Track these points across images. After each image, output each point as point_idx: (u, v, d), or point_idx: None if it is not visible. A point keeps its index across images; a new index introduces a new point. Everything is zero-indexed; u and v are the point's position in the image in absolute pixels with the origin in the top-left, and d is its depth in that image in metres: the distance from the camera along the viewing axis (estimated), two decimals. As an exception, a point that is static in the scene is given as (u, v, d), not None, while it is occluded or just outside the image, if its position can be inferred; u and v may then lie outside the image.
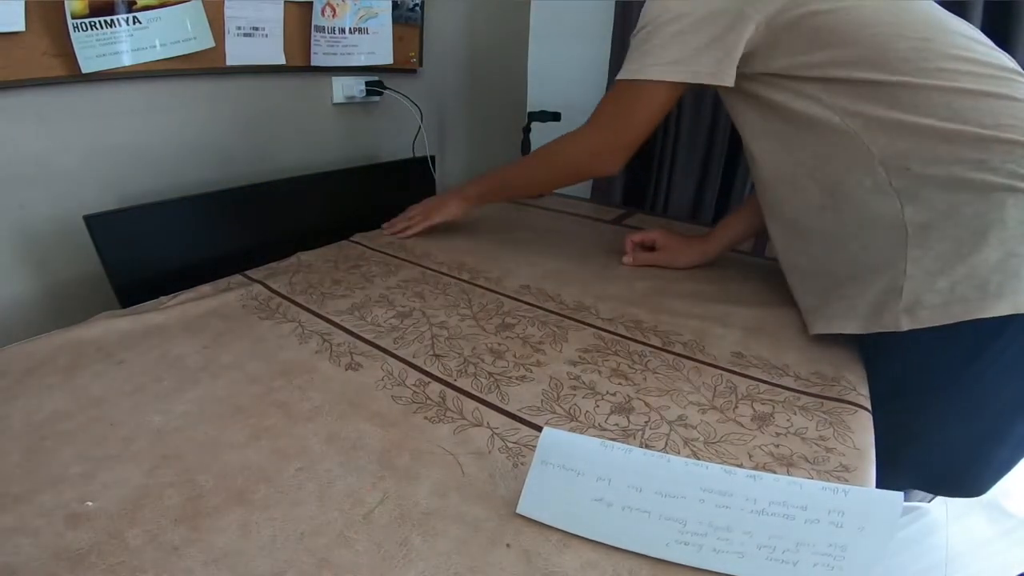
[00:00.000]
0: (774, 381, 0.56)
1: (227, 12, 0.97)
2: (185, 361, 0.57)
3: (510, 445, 0.46)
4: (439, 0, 1.32)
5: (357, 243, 0.98)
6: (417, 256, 0.91)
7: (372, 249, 0.94)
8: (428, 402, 0.52)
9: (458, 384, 0.54)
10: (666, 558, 0.36)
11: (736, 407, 0.51)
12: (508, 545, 0.36)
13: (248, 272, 0.82)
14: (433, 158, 1.29)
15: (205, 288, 0.76)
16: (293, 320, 0.68)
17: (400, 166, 1.26)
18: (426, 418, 0.49)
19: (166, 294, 0.73)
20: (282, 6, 1.05)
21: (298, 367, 0.57)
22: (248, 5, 1.00)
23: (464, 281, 0.81)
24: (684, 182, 1.36)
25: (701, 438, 0.47)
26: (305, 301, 0.73)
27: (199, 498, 0.39)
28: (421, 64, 1.32)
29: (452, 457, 0.44)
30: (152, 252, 0.82)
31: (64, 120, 0.81)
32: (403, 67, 1.28)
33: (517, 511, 0.39)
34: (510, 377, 0.56)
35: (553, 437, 0.38)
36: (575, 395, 0.53)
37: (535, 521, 0.38)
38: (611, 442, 0.37)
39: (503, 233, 1.06)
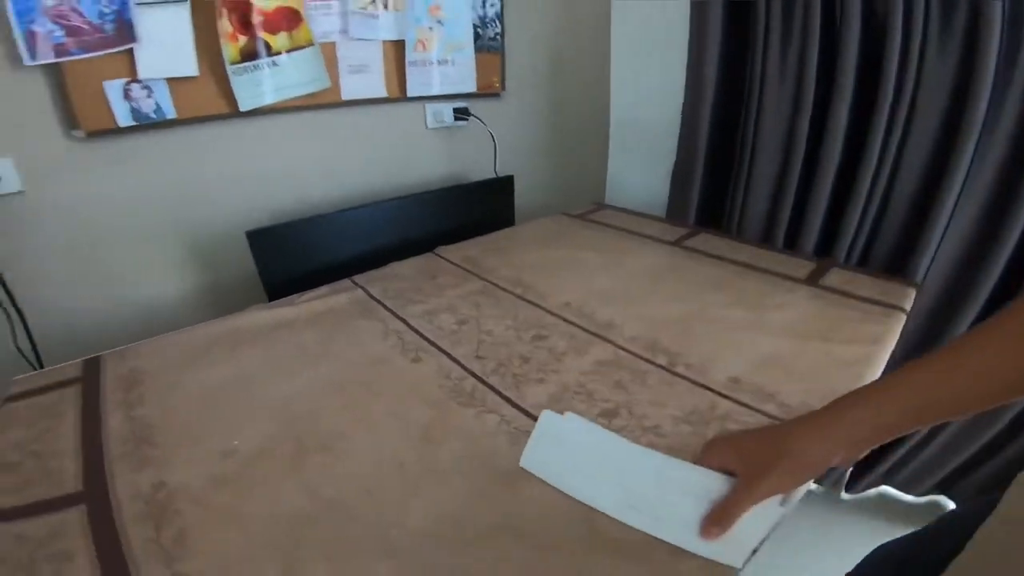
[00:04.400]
0: (756, 406, 0.66)
1: (339, 53, 1.23)
2: (307, 348, 0.82)
3: (513, 429, 0.63)
4: (518, 28, 1.49)
5: (440, 256, 1.19)
6: (484, 271, 1.10)
7: (450, 262, 1.15)
8: (463, 393, 0.70)
9: (489, 381, 0.73)
10: (619, 518, 0.50)
11: (709, 423, 0.63)
12: (504, 484, 0.54)
13: (355, 278, 1.07)
14: (511, 178, 1.47)
15: (324, 289, 1.02)
16: (380, 320, 0.90)
17: (482, 186, 1.45)
18: (458, 403, 0.68)
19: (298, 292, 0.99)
20: (382, 46, 1.29)
21: (379, 358, 0.79)
22: (354, 45, 1.25)
23: (516, 296, 0.99)
24: (757, 198, 1.39)
25: (665, 445, 0.60)
26: (392, 305, 0.96)
27: (304, 445, 0.62)
28: (504, 88, 1.51)
29: (471, 433, 0.63)
30: (293, 259, 1.10)
31: (227, 150, 1.11)
32: (487, 92, 1.48)
33: (520, 463, 0.56)
34: (530, 379, 0.73)
35: (550, 416, 0.56)
36: (574, 399, 0.68)
37: (529, 474, 0.56)
38: (592, 423, 0.54)
39: (569, 251, 1.20)
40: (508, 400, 0.69)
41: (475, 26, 1.43)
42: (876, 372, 0.76)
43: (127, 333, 1.04)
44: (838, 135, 1.20)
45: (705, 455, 0.54)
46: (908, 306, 0.98)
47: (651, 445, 0.60)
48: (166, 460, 0.59)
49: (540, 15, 1.55)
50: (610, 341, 0.82)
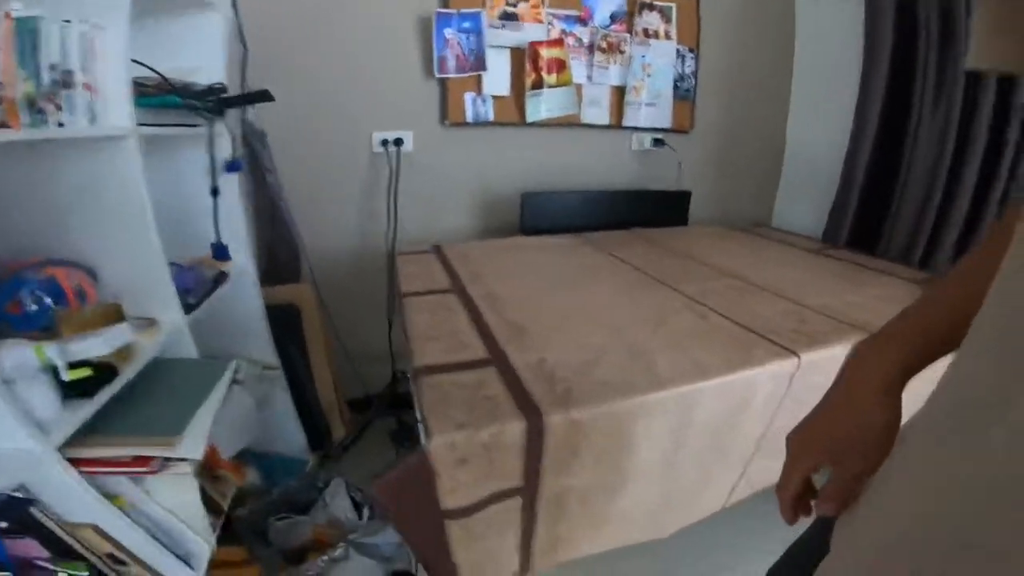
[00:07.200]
0: (831, 315, 1.08)
1: (584, 91, 1.88)
2: (553, 255, 1.43)
3: (685, 299, 1.14)
4: (708, 82, 2.05)
5: (633, 234, 1.76)
6: (660, 243, 1.63)
7: (641, 238, 1.72)
8: (648, 282, 1.23)
9: (655, 275, 1.24)
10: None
11: (798, 316, 1.07)
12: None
13: (581, 234, 1.68)
14: (690, 192, 2.00)
15: (557, 236, 1.63)
16: (596, 249, 1.48)
17: (667, 195, 2.03)
18: (645, 284, 1.21)
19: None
20: (609, 89, 1.92)
21: (594, 264, 1.36)
22: (593, 88, 1.90)
23: (684, 256, 1.49)
24: (901, 226, 1.72)
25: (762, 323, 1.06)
26: (603, 248, 1.53)
27: (572, 296, 1.20)
28: (692, 126, 2.05)
29: (656, 296, 1.15)
30: (539, 215, 1.76)
31: (514, 144, 1.83)
32: (679, 129, 2.04)
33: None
34: (677, 281, 1.23)
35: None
36: (708, 297, 1.17)
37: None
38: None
39: (722, 242, 1.69)
40: (667, 285, 1.22)
41: (675, 80, 2.01)
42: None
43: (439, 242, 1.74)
44: (973, 170, 1.51)
45: (793, 465, 0.50)
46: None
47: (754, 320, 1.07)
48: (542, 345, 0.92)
49: (726, 73, 2.08)
50: (737, 278, 1.31)
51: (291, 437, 1.54)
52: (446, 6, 1.65)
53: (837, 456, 0.46)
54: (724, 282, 1.29)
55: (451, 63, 1.67)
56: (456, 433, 0.68)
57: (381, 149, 1.66)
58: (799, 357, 0.92)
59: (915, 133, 1.67)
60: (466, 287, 1.19)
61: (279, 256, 1.64)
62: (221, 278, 1.20)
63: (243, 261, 1.34)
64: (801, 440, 0.49)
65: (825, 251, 1.69)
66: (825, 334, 1.00)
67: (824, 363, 0.94)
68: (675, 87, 2.02)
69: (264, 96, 1.16)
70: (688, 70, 2.04)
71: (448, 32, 1.67)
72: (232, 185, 1.26)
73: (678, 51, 2.00)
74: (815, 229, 1.98)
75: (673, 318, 1.06)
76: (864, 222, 1.86)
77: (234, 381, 1.07)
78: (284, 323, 1.58)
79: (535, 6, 1.77)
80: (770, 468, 1.04)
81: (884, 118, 1.75)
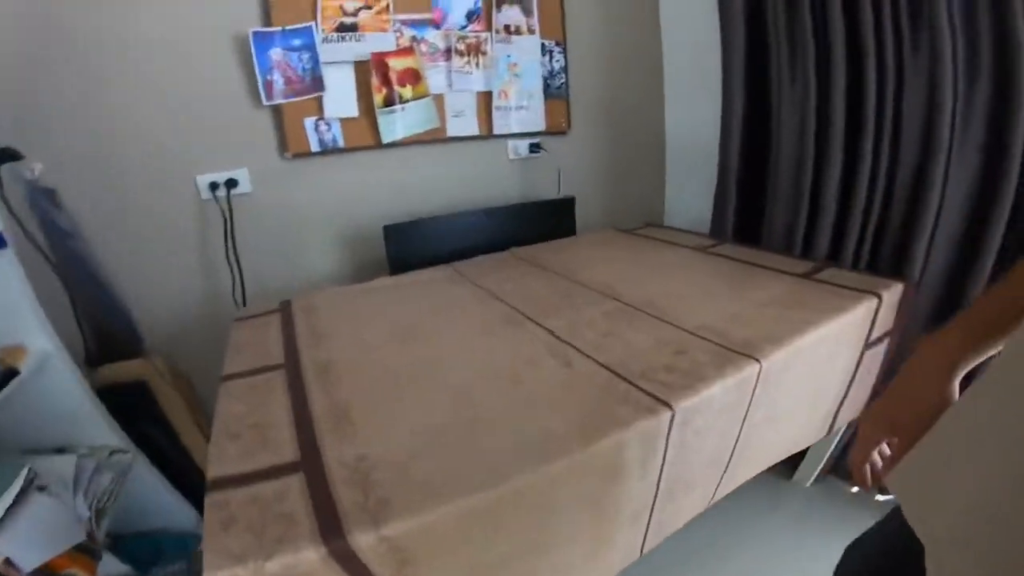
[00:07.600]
0: (709, 339, 1.01)
1: (447, 102, 1.74)
2: (396, 306, 1.28)
3: (552, 339, 1.03)
4: (580, 78, 1.95)
5: (513, 254, 1.64)
6: (540, 262, 1.52)
7: (519, 259, 1.59)
8: (513, 319, 1.12)
9: (524, 312, 1.13)
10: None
11: (677, 346, 0.99)
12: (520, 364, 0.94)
13: (452, 264, 1.53)
14: (573, 198, 1.90)
15: (428, 271, 1.49)
16: (468, 285, 1.35)
17: (549, 204, 1.90)
18: (510, 323, 1.09)
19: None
20: (474, 96, 1.78)
21: (463, 302, 1.23)
22: (456, 96, 1.75)
23: (558, 274, 1.39)
24: (778, 213, 1.70)
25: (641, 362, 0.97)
26: (473, 279, 1.40)
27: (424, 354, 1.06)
28: (569, 126, 1.95)
29: (518, 339, 1.03)
30: (410, 247, 1.60)
31: (372, 170, 1.65)
32: (556, 130, 1.93)
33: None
34: (551, 311, 1.12)
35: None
36: (578, 323, 1.07)
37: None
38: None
39: (608, 250, 1.60)
40: (534, 320, 1.10)
41: (544, 78, 1.90)
42: (819, 327, 1.04)
43: (298, 293, 1.56)
44: (837, 150, 1.49)
45: (863, 438, 0.60)
46: (885, 293, 1.18)
47: (630, 353, 0.98)
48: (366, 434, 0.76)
49: (597, 67, 1.99)
50: (616, 299, 1.21)
51: (178, 514, 1.39)
52: (268, 23, 1.45)
53: (898, 432, 0.56)
54: (599, 308, 1.18)
55: (279, 87, 1.47)
56: (236, 568, 0.56)
57: (210, 195, 1.45)
58: (672, 409, 0.82)
59: (778, 112, 1.64)
60: (300, 356, 1.03)
61: (110, 331, 1.41)
62: (7, 375, 0.98)
63: (43, 347, 1.12)
64: (868, 418, 0.60)
65: (711, 248, 1.64)
66: (703, 368, 0.91)
67: (704, 406, 0.86)
68: (546, 85, 1.91)
69: (7, 155, 0.94)
70: (557, 66, 1.93)
71: (275, 52, 1.47)
72: (6, 264, 1.04)
73: (544, 46, 1.89)
74: (705, 221, 1.94)
75: (532, 371, 0.94)
76: (746, 210, 1.83)
77: (34, 487, 0.94)
78: (132, 401, 1.38)
79: (379, 13, 1.60)
80: (682, 508, 0.99)
81: (748, 100, 1.72)
